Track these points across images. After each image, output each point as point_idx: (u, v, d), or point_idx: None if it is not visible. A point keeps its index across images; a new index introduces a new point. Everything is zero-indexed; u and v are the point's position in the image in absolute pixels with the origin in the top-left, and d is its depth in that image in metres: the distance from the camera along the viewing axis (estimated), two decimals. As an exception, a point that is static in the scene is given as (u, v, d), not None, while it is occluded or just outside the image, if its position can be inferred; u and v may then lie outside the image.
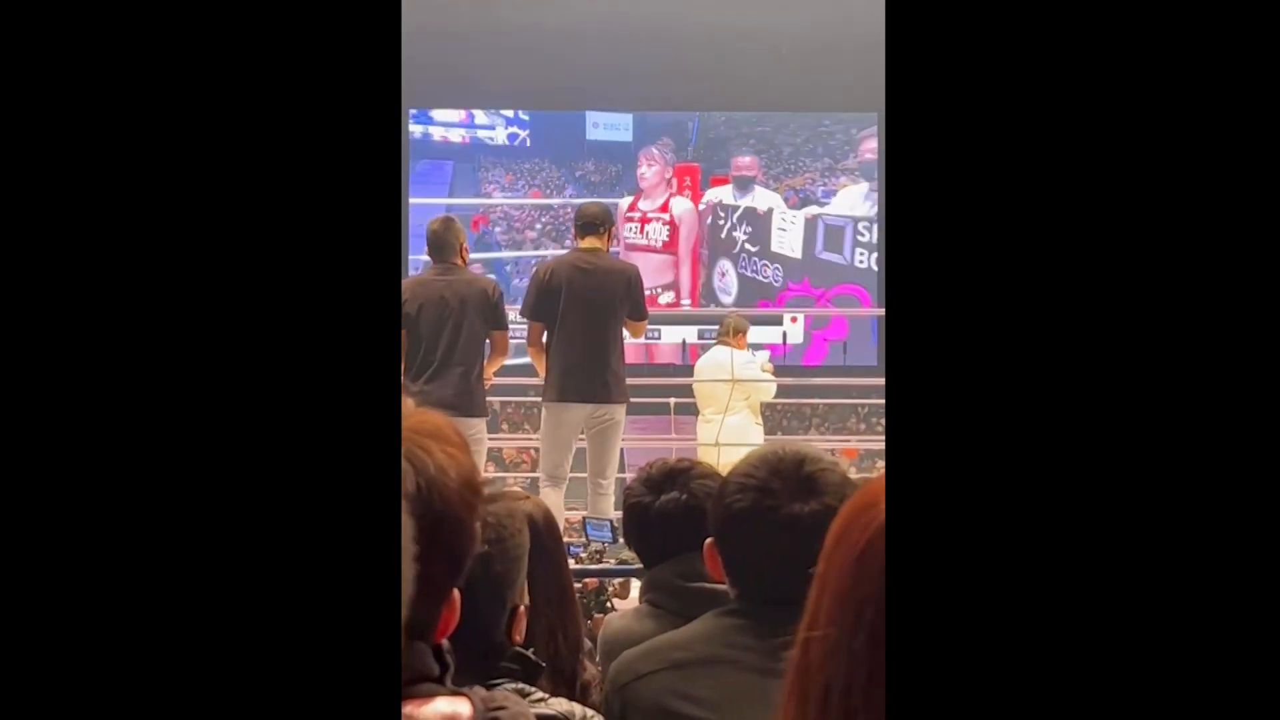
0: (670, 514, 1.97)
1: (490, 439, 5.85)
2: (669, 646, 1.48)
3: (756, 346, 6.97)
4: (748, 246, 9.07)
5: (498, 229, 9.09)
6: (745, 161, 8.81)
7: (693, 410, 6.74)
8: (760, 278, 8.84)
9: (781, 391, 7.49)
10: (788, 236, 8.85)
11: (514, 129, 9.26)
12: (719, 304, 9.17)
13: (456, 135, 9.14)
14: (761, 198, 8.93)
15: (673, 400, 7.09)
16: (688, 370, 7.48)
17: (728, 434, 6.12)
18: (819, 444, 12.58)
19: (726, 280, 9.23)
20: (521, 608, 1.54)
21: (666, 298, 8.76)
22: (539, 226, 8.99)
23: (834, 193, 8.57)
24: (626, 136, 9.39)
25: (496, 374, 4.89)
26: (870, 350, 9.25)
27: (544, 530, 1.86)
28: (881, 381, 7.97)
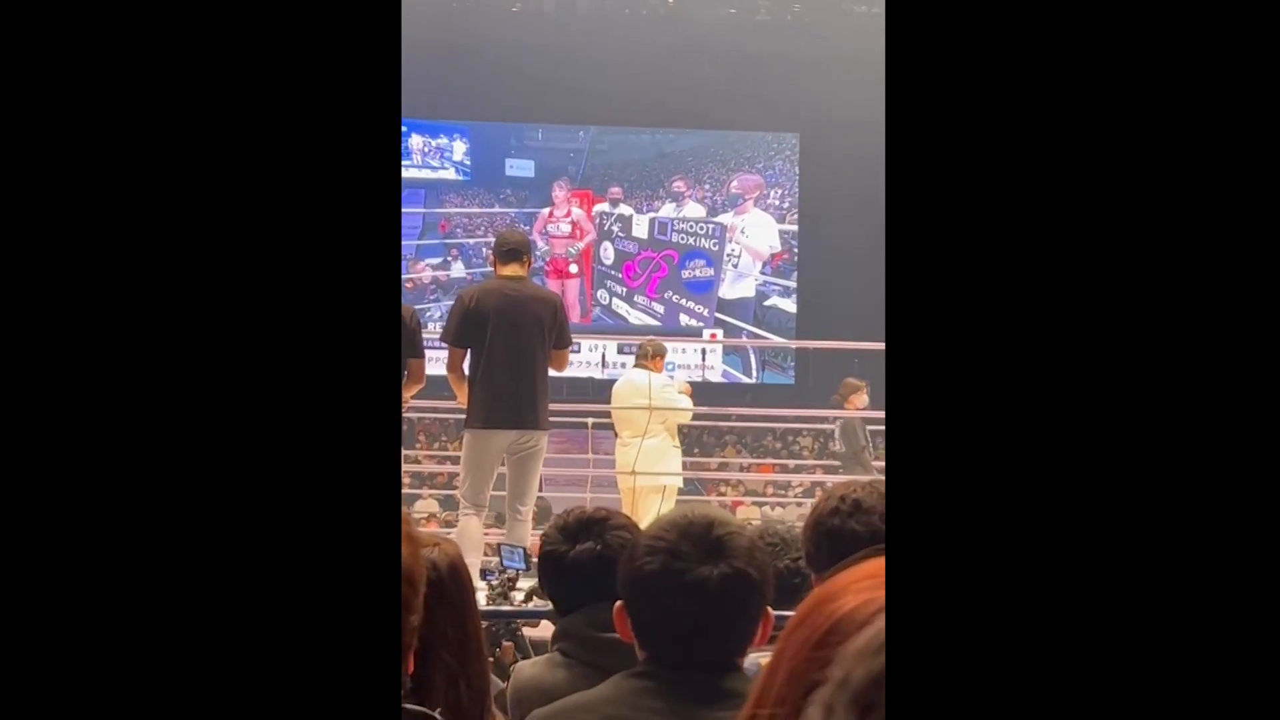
0: (584, 564, 1.97)
1: (406, 452, 5.79)
2: (576, 708, 1.49)
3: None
4: (619, 234, 15.66)
5: (458, 229, 15.42)
6: (615, 190, 15.64)
7: (610, 428, 6.75)
8: (626, 250, 15.63)
9: (699, 412, 7.54)
10: (639, 228, 15.63)
11: (460, 171, 15.55)
12: (601, 264, 15.59)
13: (425, 174, 15.36)
14: (624, 208, 15.68)
15: (590, 420, 7.09)
16: (604, 385, 7.51)
17: (646, 457, 6.13)
18: (735, 463, 12.63)
19: (607, 252, 15.69)
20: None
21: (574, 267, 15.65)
22: (482, 229, 15.20)
23: (657, 207, 15.69)
24: (530, 174, 15.61)
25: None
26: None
27: (446, 577, 1.84)
28: (798, 410, 7.99)
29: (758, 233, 15.54)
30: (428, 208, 15.31)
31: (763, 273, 15.47)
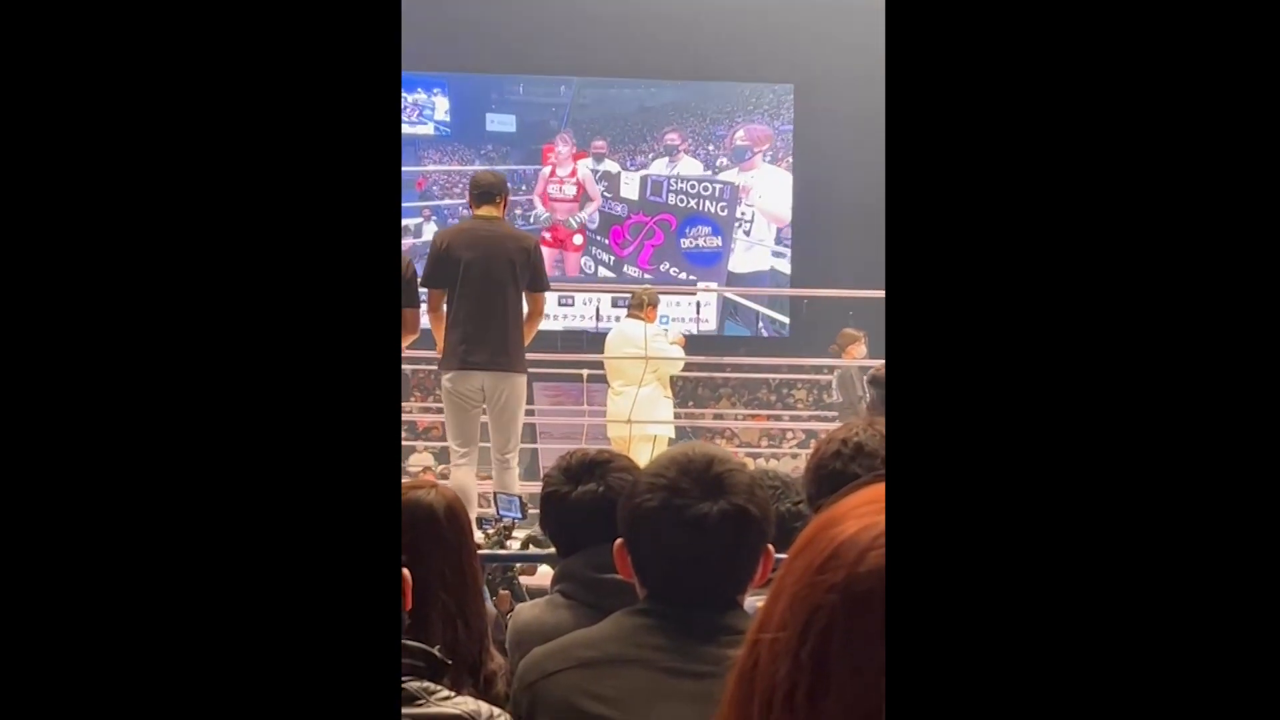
0: (586, 505, 1.98)
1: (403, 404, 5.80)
2: (577, 645, 1.49)
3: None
4: (605, 194, 13.84)
5: (435, 187, 13.83)
6: (599, 143, 13.86)
7: (605, 380, 6.76)
8: (614, 212, 13.79)
9: (694, 364, 7.56)
10: (629, 188, 13.81)
11: (439, 126, 14.03)
12: (589, 229, 13.83)
13: (403, 129, 13.36)
14: (609, 164, 13.86)
15: (585, 372, 7.09)
16: (599, 338, 7.52)
17: (637, 407, 6.15)
18: (730, 415, 12.64)
19: (594, 215, 13.87)
20: (405, 573, 1.52)
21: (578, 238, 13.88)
22: (460, 186, 13.38)
23: (648, 164, 13.87)
24: (512, 129, 14.07)
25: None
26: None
27: (443, 519, 1.87)
28: (795, 360, 7.97)
29: (774, 192, 13.46)
30: (404, 165, 13.43)
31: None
